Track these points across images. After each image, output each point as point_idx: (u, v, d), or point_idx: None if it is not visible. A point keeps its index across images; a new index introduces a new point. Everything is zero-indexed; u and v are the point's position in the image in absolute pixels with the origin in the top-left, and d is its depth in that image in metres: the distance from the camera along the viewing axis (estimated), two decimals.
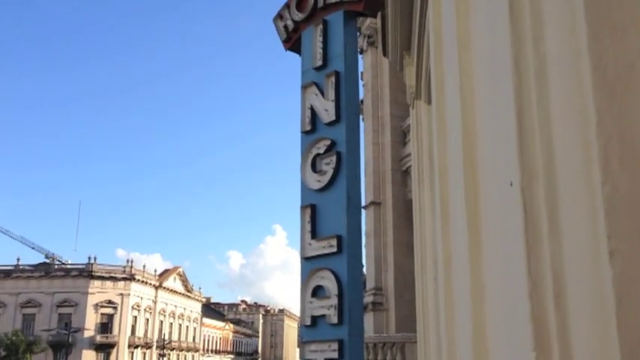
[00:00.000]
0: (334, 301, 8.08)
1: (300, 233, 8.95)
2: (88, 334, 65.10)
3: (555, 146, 1.16)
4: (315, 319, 8.28)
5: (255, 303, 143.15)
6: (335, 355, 7.83)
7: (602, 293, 1.01)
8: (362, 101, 20.79)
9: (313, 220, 8.74)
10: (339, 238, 8.27)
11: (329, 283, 8.25)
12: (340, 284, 8.09)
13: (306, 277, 8.56)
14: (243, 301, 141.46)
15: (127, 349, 70.02)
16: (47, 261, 74.77)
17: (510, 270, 1.27)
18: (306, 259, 8.68)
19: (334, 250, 8.31)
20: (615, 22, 1.10)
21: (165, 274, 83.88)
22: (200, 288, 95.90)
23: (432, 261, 5.03)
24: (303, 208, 8.98)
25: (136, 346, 72.22)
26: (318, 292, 8.35)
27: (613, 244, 1.01)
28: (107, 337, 68.37)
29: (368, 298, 17.10)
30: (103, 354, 68.08)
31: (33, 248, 78.37)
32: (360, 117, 17.96)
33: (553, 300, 1.12)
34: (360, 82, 21.69)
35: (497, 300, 1.50)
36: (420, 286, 7.22)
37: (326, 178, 8.82)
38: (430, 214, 4.93)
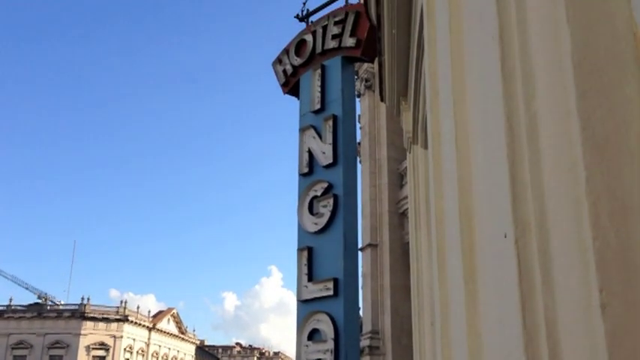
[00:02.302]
0: (330, 345, 8.02)
1: (296, 276, 8.93)
2: None
3: (547, 200, 1.20)
4: None
5: (250, 345, 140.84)
6: None
7: (595, 346, 1.03)
8: (359, 144, 20.97)
9: (310, 263, 8.73)
10: (336, 281, 8.25)
11: (325, 326, 8.19)
12: (337, 327, 8.04)
13: (302, 321, 8.51)
14: (237, 343, 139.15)
15: None
16: (40, 301, 73.83)
17: (506, 321, 1.29)
18: (302, 302, 8.64)
19: (331, 292, 8.29)
20: (604, 82, 1.15)
21: (159, 315, 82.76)
22: (194, 330, 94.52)
23: (430, 306, 5.02)
24: (299, 250, 8.98)
25: None
26: (314, 335, 8.29)
27: (605, 297, 1.03)
28: None
29: (364, 342, 16.90)
30: None
31: (26, 288, 77.58)
32: (358, 159, 18.11)
33: (548, 354, 1.14)
34: (358, 125, 21.90)
35: (494, 350, 1.51)
36: (417, 331, 7.16)
37: (323, 221, 8.85)
38: (427, 259, 4.95)
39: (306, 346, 8.40)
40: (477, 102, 1.68)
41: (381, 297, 17.45)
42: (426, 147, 5.53)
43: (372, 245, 18.80)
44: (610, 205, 1.07)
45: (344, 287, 8.33)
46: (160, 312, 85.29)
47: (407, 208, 14.71)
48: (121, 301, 73.62)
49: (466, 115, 1.80)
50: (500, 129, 1.32)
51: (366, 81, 21.72)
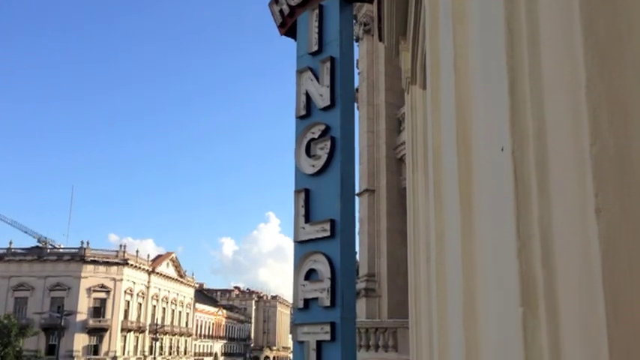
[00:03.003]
0: (327, 284, 8.12)
1: (293, 217, 8.99)
2: (80, 317, 65.18)
3: (546, 109, 1.19)
4: (307, 302, 8.33)
5: (248, 289, 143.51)
6: (327, 337, 7.88)
7: (589, 250, 1.04)
8: (357, 89, 20.77)
9: (307, 205, 8.76)
10: (333, 223, 8.30)
11: (322, 266, 8.29)
12: (333, 268, 8.13)
13: (299, 261, 8.60)
14: (236, 287, 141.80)
15: (119, 334, 70.18)
16: (39, 245, 74.65)
17: (500, 232, 1.30)
18: (299, 243, 8.71)
19: (327, 234, 8.34)
20: None
21: (158, 259, 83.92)
22: (193, 274, 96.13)
23: (425, 244, 5.07)
24: (296, 192, 9.00)
25: (129, 331, 72.38)
26: (311, 275, 8.39)
27: (600, 202, 1.03)
28: (100, 321, 68.47)
29: (361, 285, 17.18)
30: (95, 337, 68.21)
31: (25, 232, 78.36)
32: (355, 105, 17.96)
33: (540, 258, 1.15)
34: (356, 70, 21.64)
35: (488, 263, 1.52)
36: (413, 272, 7.27)
37: (320, 163, 8.83)
38: (424, 198, 4.96)
39: (303, 285, 8.52)
40: (476, 18, 1.64)
41: (377, 241, 17.65)
42: (424, 87, 5.47)
43: (369, 191, 18.89)
44: (610, 110, 1.06)
45: (340, 228, 8.39)
46: (159, 256, 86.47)
47: (404, 154, 14.70)
48: (121, 245, 74.59)
49: (466, 35, 1.77)
50: (500, 37, 1.29)
51: (365, 25, 21.34)
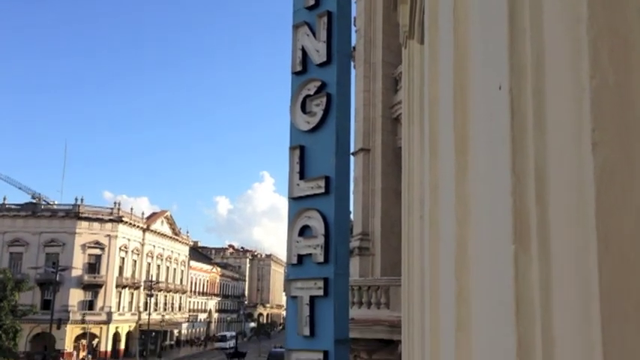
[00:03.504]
0: (320, 240, 8.17)
1: (288, 174, 8.99)
2: (75, 273, 65.76)
3: (545, 44, 1.17)
4: (301, 258, 8.39)
5: (243, 248, 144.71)
6: (320, 292, 7.97)
7: (583, 184, 1.03)
8: (354, 47, 20.52)
9: (302, 161, 8.75)
10: (327, 179, 8.30)
11: (316, 223, 8.33)
12: (327, 224, 8.17)
13: (293, 217, 8.64)
14: (230, 245, 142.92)
15: (114, 289, 70.96)
16: (34, 201, 74.70)
17: (495, 171, 1.29)
18: (293, 200, 8.73)
19: (322, 190, 8.35)
20: None
21: (152, 217, 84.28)
22: (188, 232, 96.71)
23: (419, 201, 5.07)
24: (291, 149, 8.97)
25: (124, 287, 73.17)
26: (305, 231, 8.43)
27: (597, 135, 1.02)
28: (95, 277, 69.13)
29: (354, 243, 17.30)
30: (90, 293, 68.97)
31: (20, 188, 78.32)
32: (352, 63, 17.76)
33: (535, 194, 1.14)
34: (353, 28, 21.33)
35: (481, 206, 1.52)
36: (406, 230, 7.31)
37: (315, 120, 8.78)
38: (419, 154, 4.94)
39: (297, 242, 8.56)
40: None
41: (371, 200, 17.71)
42: (422, 42, 5.40)
43: (364, 150, 18.86)
44: (611, 42, 1.04)
45: (335, 185, 8.39)
46: (154, 214, 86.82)
47: (400, 114, 14.64)
48: (115, 203, 74.83)
49: None
50: None
51: None
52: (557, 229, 1.11)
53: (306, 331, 8.10)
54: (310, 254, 8.34)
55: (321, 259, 8.15)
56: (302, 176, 8.74)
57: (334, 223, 8.22)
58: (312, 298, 8.18)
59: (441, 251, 2.56)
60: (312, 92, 8.94)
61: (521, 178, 1.17)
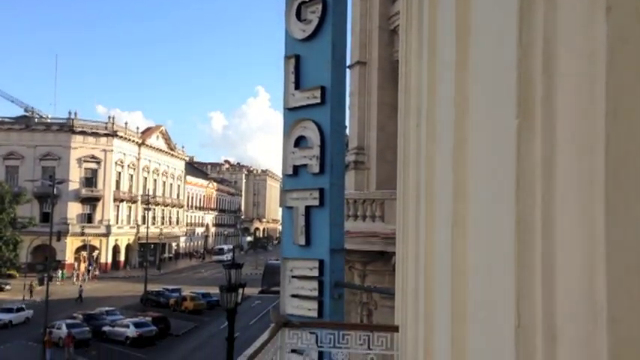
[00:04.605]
0: (316, 151, 8.15)
1: (283, 84, 8.82)
2: (73, 187, 66.28)
3: None
4: (296, 169, 8.40)
5: (238, 163, 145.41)
6: (316, 202, 8.03)
7: (594, 53, 0.96)
8: None
9: (297, 71, 8.57)
10: (323, 89, 8.17)
11: (311, 133, 8.27)
12: (323, 135, 8.12)
13: (289, 128, 8.56)
14: (226, 161, 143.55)
15: (112, 203, 71.80)
16: (27, 114, 74.10)
17: (499, 45, 1.21)
18: (289, 110, 8.63)
19: (318, 100, 8.24)
20: None
21: (147, 131, 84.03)
22: (183, 147, 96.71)
23: (416, 108, 4.99)
24: (287, 58, 8.76)
25: (121, 201, 74.00)
26: (300, 142, 8.39)
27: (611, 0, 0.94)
28: (92, 191, 69.78)
29: (350, 157, 17.31)
30: (89, 206, 69.84)
31: (12, 101, 77.43)
32: None
33: (542, 64, 1.08)
34: None
35: (483, 82, 1.45)
36: (402, 142, 7.26)
37: (311, 28, 8.53)
38: (416, 60, 4.81)
39: (293, 152, 8.54)
40: None
41: (367, 114, 17.54)
42: None
43: (360, 63, 18.49)
44: None
45: (331, 95, 8.27)
46: (149, 128, 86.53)
47: (398, 25, 14.24)
48: (109, 117, 74.38)
49: None
50: None
51: None
52: (563, 101, 1.05)
53: (302, 241, 8.24)
54: (306, 165, 8.34)
55: (316, 169, 8.16)
56: (297, 86, 8.60)
57: (330, 133, 8.17)
58: (308, 209, 8.25)
59: (437, 151, 2.52)
60: None
61: (527, 50, 1.09)
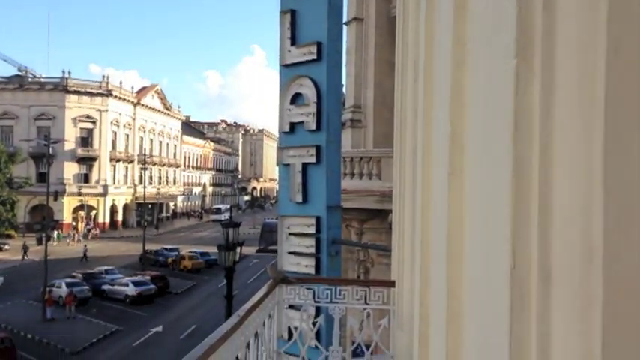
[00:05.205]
0: (313, 108, 8.10)
1: (279, 40, 8.70)
2: (68, 147, 66.01)
3: None
4: (293, 126, 8.36)
5: (235, 123, 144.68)
6: (312, 160, 8.02)
7: None
8: None
9: (293, 27, 8.44)
10: (319, 45, 8.07)
11: (308, 90, 8.20)
12: (319, 92, 8.05)
13: (285, 85, 8.48)
14: (222, 120, 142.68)
15: (108, 163, 71.69)
16: (20, 74, 73.27)
17: None
18: (285, 67, 8.53)
19: (314, 57, 8.15)
20: None
21: (142, 91, 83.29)
22: (179, 106, 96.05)
23: (413, 63, 4.93)
24: (282, 13, 8.62)
25: (118, 161, 73.88)
26: (296, 99, 8.32)
27: None
28: (88, 151, 69.55)
29: (347, 115, 17.23)
30: (85, 166, 69.75)
31: (5, 60, 76.39)
32: None
33: (542, 2, 1.04)
34: None
35: (482, 21, 1.41)
36: (400, 100, 7.20)
37: None
38: (414, 12, 4.73)
39: (289, 109, 8.48)
40: None
41: (364, 71, 17.38)
42: None
43: (357, 19, 18.23)
44: None
45: (327, 51, 8.17)
46: (144, 88, 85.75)
47: None
48: (103, 76, 73.55)
49: None
50: None
51: None
52: (563, 42, 1.02)
53: (299, 198, 8.26)
54: (302, 122, 8.30)
55: (313, 126, 8.12)
56: (293, 42, 8.48)
57: (326, 90, 8.11)
58: (305, 166, 8.25)
59: (434, 104, 2.50)
60: None
61: None
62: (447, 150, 1.83)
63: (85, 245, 52.64)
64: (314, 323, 5.94)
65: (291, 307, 6.47)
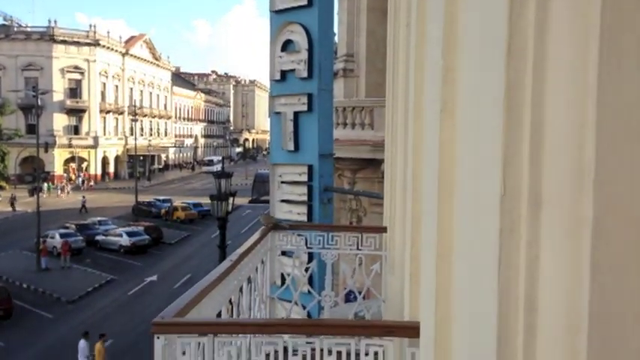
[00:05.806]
0: (304, 55, 8.01)
1: None
2: (57, 97, 65.19)
3: None
4: (284, 74, 8.28)
5: (226, 73, 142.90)
6: (304, 107, 7.98)
7: None
8: None
9: None
10: None
11: (299, 37, 8.09)
12: (310, 39, 7.95)
13: (275, 31, 8.36)
14: (213, 71, 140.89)
15: (98, 115, 70.97)
16: (5, 23, 71.66)
17: None
18: (275, 13, 8.40)
19: (305, 2, 8.01)
20: None
21: (131, 40, 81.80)
22: (168, 57, 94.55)
23: (406, 6, 4.84)
24: None
25: (107, 112, 73.13)
26: (287, 46, 8.22)
27: None
28: (77, 102, 68.74)
29: (339, 65, 17.03)
30: (75, 118, 69.06)
31: None
32: None
33: None
34: None
35: None
36: (392, 47, 7.11)
37: None
38: None
39: (280, 57, 8.38)
40: None
41: (357, 19, 17.08)
42: None
43: None
44: None
45: None
46: (132, 37, 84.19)
47: None
48: (90, 25, 72.06)
49: None
50: None
51: None
52: None
53: (291, 146, 8.25)
54: (294, 70, 8.22)
55: (304, 74, 8.04)
56: None
57: (318, 37, 8.00)
58: (296, 114, 8.21)
59: (426, 42, 2.46)
60: None
61: None
62: (439, 85, 1.81)
63: (84, 197, 52.55)
64: (306, 269, 6.02)
65: (283, 253, 6.54)
